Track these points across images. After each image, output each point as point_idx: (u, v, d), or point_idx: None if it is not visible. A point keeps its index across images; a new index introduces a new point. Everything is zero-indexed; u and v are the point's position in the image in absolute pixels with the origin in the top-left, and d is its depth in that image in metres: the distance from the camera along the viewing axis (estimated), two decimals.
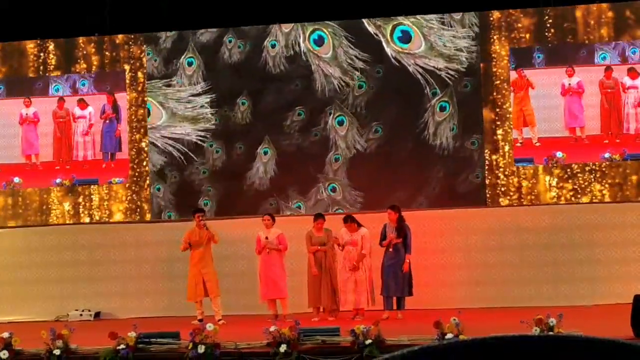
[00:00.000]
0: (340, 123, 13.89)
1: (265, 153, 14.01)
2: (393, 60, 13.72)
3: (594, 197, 13.44)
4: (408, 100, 13.70)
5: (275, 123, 13.97)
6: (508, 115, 13.62)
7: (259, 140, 14.02)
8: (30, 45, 14.54)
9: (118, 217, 14.28)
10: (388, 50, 13.77)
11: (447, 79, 13.63)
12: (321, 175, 13.85)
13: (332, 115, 13.84)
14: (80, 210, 14.35)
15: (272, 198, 13.89)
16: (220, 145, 14.13)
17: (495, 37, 13.69)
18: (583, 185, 13.45)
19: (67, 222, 14.33)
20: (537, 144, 13.59)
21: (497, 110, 13.64)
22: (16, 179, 14.50)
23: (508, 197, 13.57)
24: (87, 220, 14.32)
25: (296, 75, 13.96)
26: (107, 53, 14.39)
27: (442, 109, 13.68)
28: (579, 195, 13.44)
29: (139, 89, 14.28)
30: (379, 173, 13.70)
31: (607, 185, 13.44)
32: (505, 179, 13.59)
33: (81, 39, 14.46)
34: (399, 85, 13.70)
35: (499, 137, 13.61)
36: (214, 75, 14.17)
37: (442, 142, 13.63)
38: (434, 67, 13.66)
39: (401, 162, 13.66)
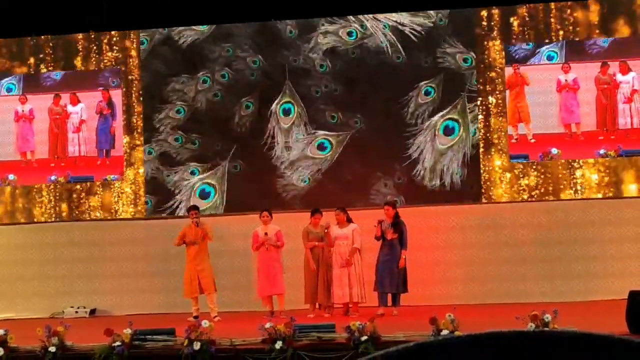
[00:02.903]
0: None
1: None
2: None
3: (589, 194, 13.44)
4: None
5: None
6: (503, 111, 13.61)
7: None
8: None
9: (114, 214, 14.26)
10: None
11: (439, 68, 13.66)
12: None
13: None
14: (76, 207, 14.31)
15: None
16: None
17: (491, 33, 13.70)
18: (579, 182, 13.45)
19: (63, 219, 14.29)
20: (532, 141, 13.59)
21: (492, 106, 13.63)
22: (11, 176, 14.46)
23: (504, 194, 13.56)
24: (83, 217, 14.28)
25: None
26: (103, 50, 14.36)
27: (427, 93, 13.66)
28: (575, 192, 13.44)
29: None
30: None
31: (602, 182, 13.45)
32: (500, 175, 13.58)
33: (79, 36, 14.43)
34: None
35: (494, 133, 13.61)
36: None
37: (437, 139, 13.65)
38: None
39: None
